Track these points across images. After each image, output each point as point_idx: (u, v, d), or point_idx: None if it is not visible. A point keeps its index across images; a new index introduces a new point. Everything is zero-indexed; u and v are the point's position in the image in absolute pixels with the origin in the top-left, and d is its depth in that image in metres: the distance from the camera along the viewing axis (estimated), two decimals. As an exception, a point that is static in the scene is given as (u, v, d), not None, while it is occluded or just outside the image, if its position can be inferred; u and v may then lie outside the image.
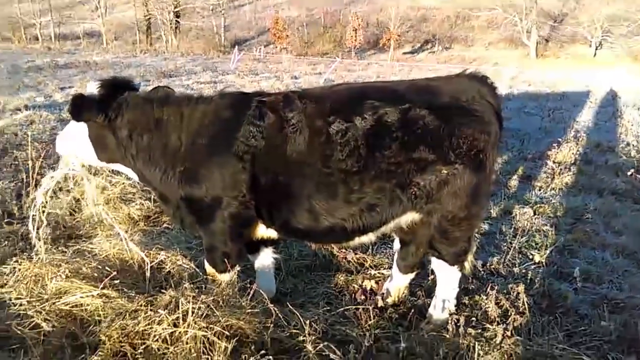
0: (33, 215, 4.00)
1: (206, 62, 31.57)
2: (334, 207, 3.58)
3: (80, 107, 3.61)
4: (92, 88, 3.77)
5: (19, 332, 3.55)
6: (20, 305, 3.75)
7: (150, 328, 3.39)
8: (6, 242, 5.13)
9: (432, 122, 3.49)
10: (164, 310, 3.55)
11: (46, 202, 4.09)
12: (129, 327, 3.43)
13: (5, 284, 4.10)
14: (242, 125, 3.60)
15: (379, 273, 4.89)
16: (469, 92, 3.66)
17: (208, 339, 3.39)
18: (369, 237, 3.91)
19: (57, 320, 3.67)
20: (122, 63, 26.58)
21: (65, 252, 4.79)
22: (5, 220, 5.61)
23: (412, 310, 4.27)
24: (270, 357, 3.36)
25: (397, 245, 4.35)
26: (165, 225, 5.60)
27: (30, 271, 3.96)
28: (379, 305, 4.28)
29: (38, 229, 4.05)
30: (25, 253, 4.88)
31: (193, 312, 3.46)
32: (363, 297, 4.20)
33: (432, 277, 4.75)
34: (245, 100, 3.74)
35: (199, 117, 3.74)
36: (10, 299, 3.85)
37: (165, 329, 3.38)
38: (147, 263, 4.17)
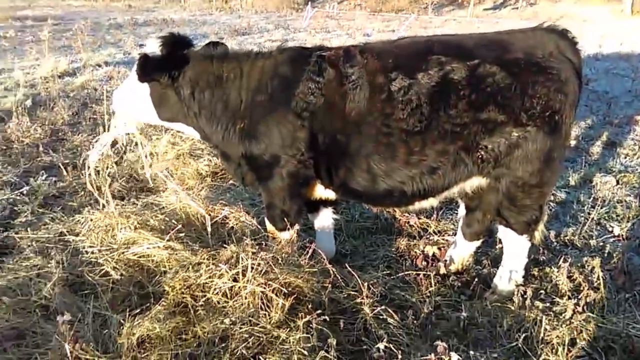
0: (89, 175, 4.14)
1: (279, 19, 31.43)
2: (392, 168, 3.45)
3: (147, 68, 3.60)
4: (152, 45, 3.78)
5: (90, 278, 3.75)
6: (92, 253, 3.95)
7: (211, 281, 3.47)
8: (82, 192, 5.41)
9: (503, 79, 3.24)
10: (225, 264, 3.61)
11: (100, 165, 4.19)
12: (191, 279, 3.53)
13: (79, 233, 4.33)
14: (301, 81, 3.51)
15: (442, 239, 4.73)
16: (545, 47, 3.35)
17: (266, 295, 3.41)
18: (429, 202, 3.76)
19: (125, 269, 3.84)
20: (198, 21, 26.97)
21: (136, 204, 5.02)
22: (83, 172, 5.91)
23: (476, 280, 4.13)
24: (327, 316, 3.36)
25: (462, 211, 4.17)
26: (231, 182, 5.68)
27: (101, 221, 4.14)
28: (441, 272, 4.17)
29: (98, 188, 4.19)
30: (99, 203, 5.16)
31: (253, 268, 3.49)
32: (424, 262, 4.09)
33: (499, 245, 4.54)
34: (305, 55, 3.62)
35: (257, 73, 3.68)
36: (83, 247, 4.06)
37: (226, 282, 3.44)
38: (207, 218, 4.24)
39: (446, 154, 3.36)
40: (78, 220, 4.66)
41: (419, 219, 4.96)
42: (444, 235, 4.82)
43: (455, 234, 4.76)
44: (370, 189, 3.57)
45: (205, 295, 3.43)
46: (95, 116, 8.30)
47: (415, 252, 4.54)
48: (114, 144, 4.23)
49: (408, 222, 4.90)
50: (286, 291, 3.48)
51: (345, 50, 3.58)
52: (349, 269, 3.84)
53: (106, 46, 16.66)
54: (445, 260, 4.22)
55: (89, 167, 4.13)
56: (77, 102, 9.13)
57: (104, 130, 6.60)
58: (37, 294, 3.62)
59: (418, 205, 3.75)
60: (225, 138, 3.79)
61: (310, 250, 3.80)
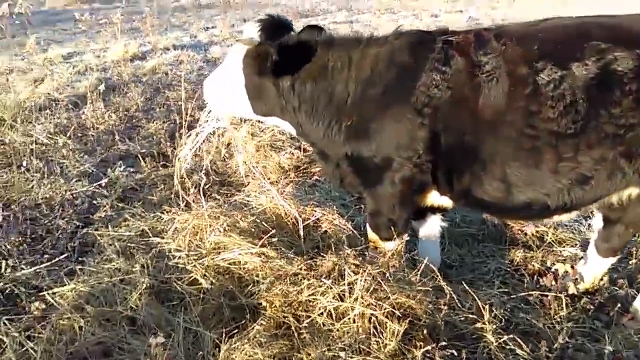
0: (180, 175, 3.79)
1: (340, 0, 30.71)
2: (536, 177, 2.89)
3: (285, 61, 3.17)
4: (250, 30, 3.35)
5: (178, 287, 3.43)
6: (179, 258, 3.62)
7: (315, 299, 3.07)
8: (162, 186, 5.14)
9: None
10: (328, 278, 3.21)
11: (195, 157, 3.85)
12: (291, 295, 3.13)
13: (162, 232, 4.03)
14: (424, 71, 3.00)
15: (564, 250, 4.12)
16: None
17: (377, 317, 2.98)
18: (570, 216, 3.19)
19: (215, 277, 3.49)
20: (260, 3, 26.68)
21: (218, 200, 4.69)
22: (161, 163, 5.66)
23: (612, 302, 3.54)
24: (444, 342, 2.91)
25: (598, 222, 3.56)
26: (315, 177, 5.26)
27: (189, 223, 3.81)
28: (570, 292, 3.59)
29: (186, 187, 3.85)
30: (179, 198, 4.87)
31: (361, 284, 3.06)
32: (554, 282, 3.52)
33: (634, 261, 3.91)
34: (428, 40, 3.10)
35: (370, 62, 3.19)
36: (169, 250, 3.75)
37: (331, 302, 3.03)
38: (300, 221, 3.84)
39: (603, 161, 2.78)
40: (159, 217, 4.37)
41: (535, 226, 4.36)
42: (564, 246, 4.21)
43: (577, 245, 4.18)
44: (503, 200, 3.03)
45: (309, 316, 3.02)
46: (168, 102, 8.10)
47: (533, 265, 3.97)
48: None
49: (522, 230, 4.32)
50: (399, 314, 3.04)
51: (477, 34, 3.02)
52: (465, 287, 3.36)
53: (172, 29, 16.65)
54: (575, 278, 3.64)
55: (180, 166, 3.78)
56: (149, 87, 8.98)
57: (179, 119, 6.40)
58: (122, 303, 3.32)
59: (557, 218, 3.19)
60: (326, 136, 3.34)
61: (422, 266, 3.32)
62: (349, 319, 2.96)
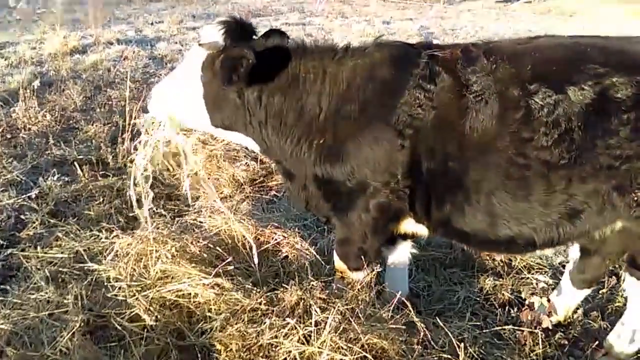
0: (135, 186, 3.33)
1: (291, 1, 30.37)
2: (523, 210, 2.65)
3: (236, 70, 2.77)
4: (210, 33, 2.94)
5: (117, 324, 2.97)
6: (120, 289, 3.16)
7: (277, 342, 2.70)
8: (101, 199, 4.62)
9: None
10: (292, 316, 2.86)
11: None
12: (250, 337, 2.76)
13: (101, 254, 3.54)
14: (406, 88, 2.71)
15: (534, 278, 3.94)
16: None
17: (348, 363, 2.66)
18: (552, 250, 2.98)
19: (161, 312, 3.07)
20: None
21: (165, 216, 4.24)
22: (101, 172, 5.11)
23: (585, 336, 3.41)
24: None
25: (574, 253, 3.38)
26: (273, 192, 4.88)
27: (132, 247, 3.35)
28: (544, 326, 3.39)
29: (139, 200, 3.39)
30: (121, 214, 4.38)
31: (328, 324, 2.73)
32: (530, 317, 3.30)
33: (604, 291, 3.78)
34: (411, 54, 2.82)
35: (347, 76, 2.88)
36: (108, 279, 3.28)
37: (296, 345, 2.68)
38: (254, 248, 3.45)
39: (596, 195, 2.57)
40: (97, 237, 3.88)
41: (502, 252, 4.16)
42: (533, 273, 4.03)
43: (547, 272, 4.03)
44: (486, 233, 2.78)
45: (270, 363, 2.66)
46: (110, 102, 7.47)
47: (503, 294, 3.76)
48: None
49: (490, 256, 4.11)
50: (370, 358, 2.72)
51: (464, 49, 2.76)
52: (438, 321, 3.09)
53: (117, 22, 15.76)
54: (550, 312, 3.45)
55: (135, 175, 3.31)
56: (89, 85, 8.29)
57: (122, 121, 5.85)
58: (51, 344, 2.84)
59: (539, 253, 2.97)
60: (294, 154, 2.99)
61: (394, 300, 3.03)
62: (317, 365, 2.62)
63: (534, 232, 2.70)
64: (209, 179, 4.91)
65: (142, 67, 9.72)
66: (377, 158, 2.77)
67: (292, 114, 2.97)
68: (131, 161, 3.53)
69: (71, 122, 6.79)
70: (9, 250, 3.84)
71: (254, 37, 3.03)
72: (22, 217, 4.25)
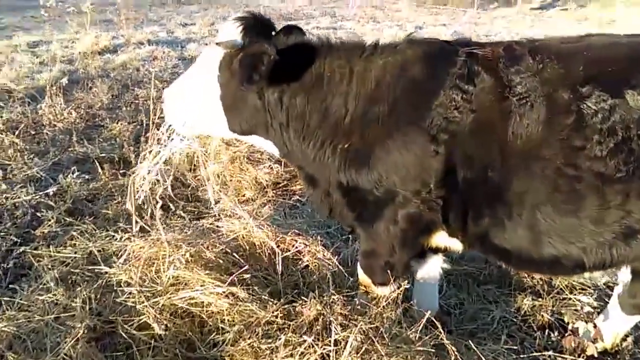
0: (133, 196, 3.15)
1: (323, 6, 30.27)
2: (572, 227, 2.37)
3: (257, 68, 2.55)
4: (228, 30, 2.74)
5: (124, 332, 2.79)
6: (130, 294, 2.99)
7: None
8: (120, 198, 4.48)
9: None
10: (309, 333, 2.63)
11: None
12: (262, 354, 2.54)
13: (115, 255, 3.38)
14: (442, 89, 2.46)
15: (577, 299, 3.62)
16: None
17: (369, 388, 2.42)
18: (603, 273, 2.69)
19: (171, 321, 2.88)
20: (243, 2, 26.02)
21: (184, 218, 4.07)
22: (121, 171, 4.99)
23: (634, 366, 3.07)
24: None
25: (624, 275, 3.06)
26: (297, 197, 4.67)
27: (144, 251, 3.17)
28: (589, 353, 3.09)
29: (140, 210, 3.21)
30: (140, 215, 4.23)
31: (350, 344, 2.50)
32: (574, 344, 3.00)
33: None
34: (448, 52, 2.56)
35: (375, 75, 2.64)
36: (118, 283, 3.11)
37: (313, 366, 2.45)
38: (279, 255, 3.25)
39: None
40: (112, 237, 3.74)
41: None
42: (575, 294, 3.71)
43: (591, 292, 3.70)
44: (528, 252, 2.50)
45: (284, 384, 2.43)
46: (137, 101, 7.41)
47: (542, 316, 3.46)
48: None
49: (529, 274, 3.80)
50: (394, 382, 2.48)
51: (507, 47, 2.49)
52: (472, 345, 2.82)
53: (149, 24, 15.88)
54: (595, 339, 3.14)
55: (135, 186, 3.14)
56: (117, 83, 8.26)
57: (146, 120, 5.73)
58: (54, 350, 2.68)
59: (587, 275, 2.68)
60: (317, 159, 2.77)
61: (423, 320, 2.77)
62: (335, 389, 2.38)
63: (583, 252, 2.41)
64: (230, 181, 4.76)
65: (171, 67, 9.67)
66: (408, 164, 2.53)
67: (315, 116, 2.75)
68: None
69: (97, 119, 6.72)
70: (22, 248, 3.72)
71: (274, 33, 2.82)
72: (39, 214, 4.13)
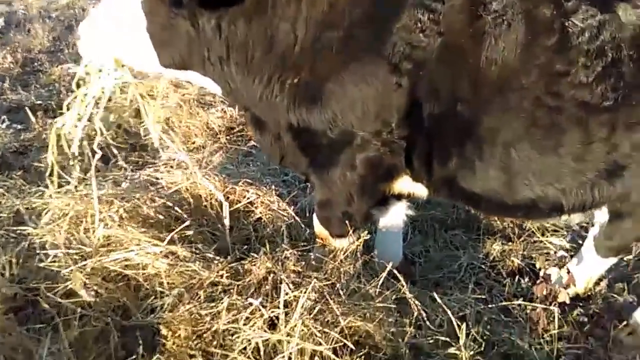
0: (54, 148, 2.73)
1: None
2: (551, 166, 2.10)
3: None
4: None
5: (46, 302, 2.46)
6: (55, 257, 2.63)
7: (236, 328, 2.19)
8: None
9: None
10: (257, 294, 2.35)
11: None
12: (202, 321, 2.24)
13: (41, 216, 2.99)
14: (405, 7, 2.09)
15: (547, 243, 3.42)
16: None
17: (322, 353, 2.16)
18: (580, 216, 2.44)
19: (102, 286, 2.55)
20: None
21: (126, 169, 3.66)
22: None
23: (608, 312, 2.88)
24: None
25: (600, 216, 2.83)
26: (252, 143, 4.28)
27: (69, 209, 2.79)
28: (560, 300, 2.89)
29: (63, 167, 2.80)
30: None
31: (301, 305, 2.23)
32: (545, 292, 2.80)
33: (632, 259, 3.26)
34: (411, -37, 2.17)
35: None
36: (42, 245, 2.74)
37: (259, 332, 2.17)
38: (225, 207, 2.91)
39: None
40: (42, 193, 3.33)
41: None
42: (546, 236, 3.51)
43: (564, 234, 3.51)
44: (501, 195, 2.24)
45: (226, 355, 2.15)
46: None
47: (512, 261, 3.25)
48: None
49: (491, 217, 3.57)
50: (351, 344, 2.23)
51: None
52: (437, 297, 2.58)
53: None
54: (568, 284, 2.94)
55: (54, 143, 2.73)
56: (60, 24, 7.56)
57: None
58: (-35, 323, 2.33)
59: (564, 219, 2.43)
60: (264, 98, 2.40)
61: (384, 274, 2.51)
62: (283, 357, 2.11)
63: (562, 194, 2.15)
64: (179, 127, 4.36)
65: (120, 6, 8.91)
66: (366, 101, 2.19)
67: (260, 46, 2.36)
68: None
69: (35, 64, 6.15)
70: (-61, 209, 3.29)
71: None
72: (-39, 169, 3.69)
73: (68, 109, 2.79)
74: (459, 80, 2.08)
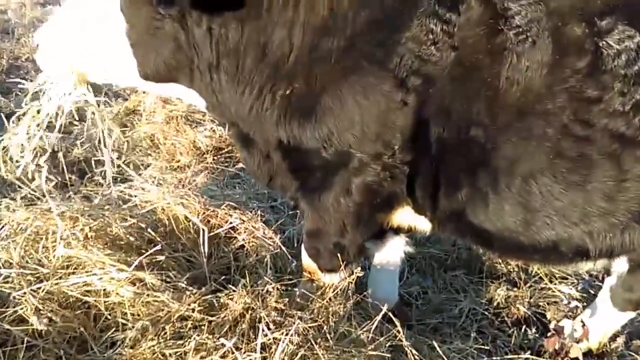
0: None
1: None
2: (577, 204, 1.83)
3: None
4: None
5: (-8, 328, 2.14)
6: (7, 278, 2.31)
7: (207, 372, 1.89)
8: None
9: None
10: (231, 333, 2.05)
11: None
12: (166, 361, 1.94)
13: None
14: (415, 17, 1.86)
15: (556, 289, 3.15)
16: None
17: (303, 409, 1.86)
18: (607, 263, 2.18)
19: (57, 313, 2.23)
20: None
21: (101, 186, 3.38)
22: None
23: (624, 371, 2.62)
24: None
25: (619, 266, 2.56)
26: (240, 165, 4.01)
27: (28, 223, 2.49)
28: (572, 355, 2.60)
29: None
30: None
31: (282, 350, 1.92)
32: (558, 346, 2.51)
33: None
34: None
35: (328, 1, 2.00)
36: (-1, 262, 2.43)
37: (232, 381, 1.86)
38: (204, 233, 2.60)
39: None
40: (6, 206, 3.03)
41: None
42: (554, 283, 3.23)
43: (574, 281, 3.25)
44: (517, 234, 1.97)
45: (192, 405, 1.84)
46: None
47: (518, 309, 2.97)
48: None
49: (503, 259, 3.30)
50: (338, 398, 1.93)
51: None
52: (435, 345, 2.31)
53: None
54: (576, 338, 2.66)
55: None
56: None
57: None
58: None
59: (588, 267, 2.17)
60: (254, 111, 2.14)
61: (378, 318, 2.22)
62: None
63: (589, 236, 1.89)
64: (165, 143, 4.11)
65: None
66: (366, 118, 1.94)
67: (252, 53, 2.10)
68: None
69: (21, 71, 5.94)
70: None
71: None
72: None
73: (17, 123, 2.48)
74: (474, 101, 1.84)
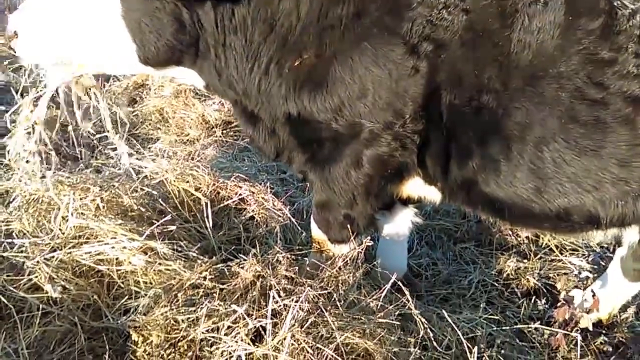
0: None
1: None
2: (590, 170, 1.82)
3: None
4: None
5: (9, 295, 2.18)
6: (21, 247, 2.35)
7: (217, 339, 1.91)
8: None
9: None
10: (242, 300, 2.07)
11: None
12: (179, 327, 1.96)
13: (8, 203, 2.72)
14: None
15: (566, 262, 3.14)
16: None
17: (313, 373, 1.88)
18: (618, 231, 2.17)
19: (71, 282, 2.26)
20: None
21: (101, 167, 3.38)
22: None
23: (634, 342, 2.63)
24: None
25: (630, 235, 2.55)
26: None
27: (40, 195, 2.52)
28: (582, 326, 2.61)
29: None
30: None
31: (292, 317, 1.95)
32: (567, 316, 2.51)
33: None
34: None
35: None
36: (11, 233, 2.47)
37: (241, 344, 1.89)
38: (207, 206, 2.63)
39: None
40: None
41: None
42: (564, 254, 3.23)
43: (581, 254, 3.24)
44: (529, 201, 1.96)
45: (203, 368, 1.87)
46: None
47: (528, 280, 2.98)
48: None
49: (513, 230, 3.29)
50: (346, 364, 1.95)
51: None
52: (445, 314, 2.32)
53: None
54: (587, 308, 2.66)
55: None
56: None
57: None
58: None
59: (600, 235, 2.16)
60: (262, 86, 2.11)
61: (387, 286, 2.23)
62: (269, 375, 1.84)
63: (601, 204, 1.87)
64: (174, 116, 4.12)
65: None
66: (377, 87, 1.92)
67: (259, 27, 2.06)
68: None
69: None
70: None
71: None
72: None
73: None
74: (486, 66, 1.82)
